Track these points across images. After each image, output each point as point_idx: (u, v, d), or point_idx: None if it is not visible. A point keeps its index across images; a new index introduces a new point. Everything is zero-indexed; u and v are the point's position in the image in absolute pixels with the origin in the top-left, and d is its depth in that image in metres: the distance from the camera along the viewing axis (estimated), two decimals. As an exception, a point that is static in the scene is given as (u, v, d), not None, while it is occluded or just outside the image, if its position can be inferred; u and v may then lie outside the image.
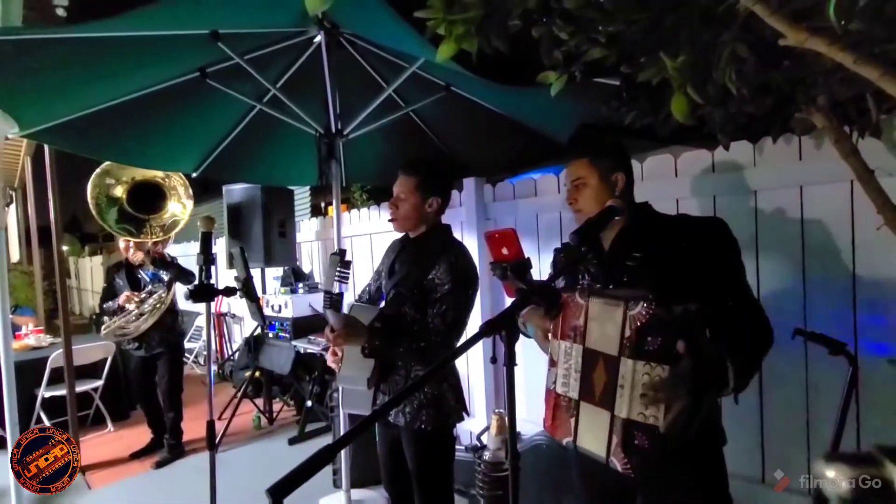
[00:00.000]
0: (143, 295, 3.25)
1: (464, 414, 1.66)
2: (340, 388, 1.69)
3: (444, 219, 1.73)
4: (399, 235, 1.80)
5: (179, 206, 3.31)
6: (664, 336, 0.98)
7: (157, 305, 3.21)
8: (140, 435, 3.55)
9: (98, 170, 3.10)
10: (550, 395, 1.19)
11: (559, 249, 1.46)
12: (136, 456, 3.36)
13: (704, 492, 1.12)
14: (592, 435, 1.09)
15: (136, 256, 3.24)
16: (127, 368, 3.77)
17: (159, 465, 3.22)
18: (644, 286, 1.07)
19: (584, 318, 1.12)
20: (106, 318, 3.36)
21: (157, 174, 3.23)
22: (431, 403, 1.57)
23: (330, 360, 1.77)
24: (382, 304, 1.78)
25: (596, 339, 1.09)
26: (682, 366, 0.96)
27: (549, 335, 1.22)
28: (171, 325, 3.32)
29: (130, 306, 3.22)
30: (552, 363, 1.20)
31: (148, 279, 3.31)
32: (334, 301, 1.58)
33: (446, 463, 1.66)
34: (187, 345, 5.70)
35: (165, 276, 3.24)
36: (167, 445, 3.34)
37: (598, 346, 1.08)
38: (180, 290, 3.19)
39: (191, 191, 3.33)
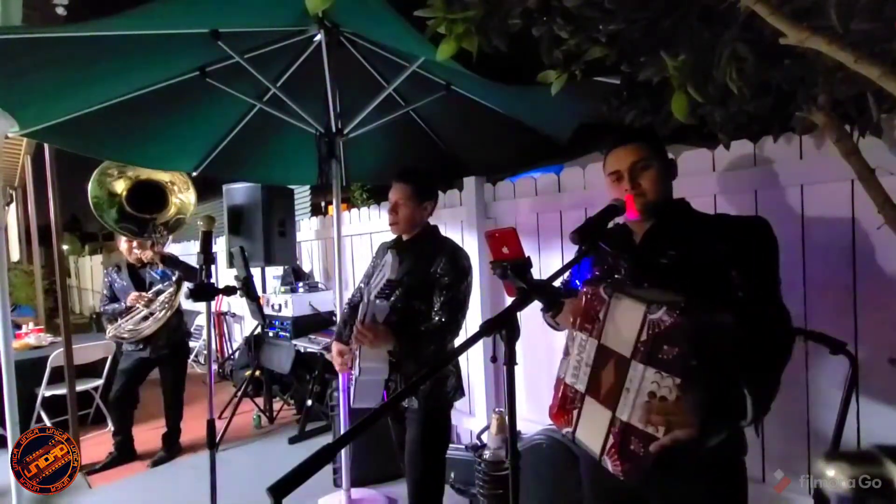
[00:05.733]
0: (151, 295, 3.17)
1: (461, 392, 1.88)
2: (355, 382, 1.72)
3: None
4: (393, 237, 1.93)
5: (182, 203, 3.25)
6: (682, 347, 0.91)
7: (167, 304, 3.14)
8: (140, 434, 3.53)
9: (97, 171, 3.06)
10: (560, 383, 1.20)
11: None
12: (95, 471, 3.10)
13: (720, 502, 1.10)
14: (591, 430, 1.09)
15: (146, 255, 3.14)
16: (117, 366, 3.48)
17: (155, 463, 3.21)
18: (677, 286, 1.03)
19: (604, 312, 1.09)
20: (105, 321, 3.27)
21: (160, 175, 3.18)
22: (439, 384, 1.79)
23: (337, 363, 1.85)
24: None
25: (612, 337, 1.05)
26: (692, 397, 0.90)
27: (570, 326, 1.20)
28: (176, 326, 3.27)
29: (140, 306, 3.13)
30: (566, 353, 1.20)
31: (157, 277, 3.22)
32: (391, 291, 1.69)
33: (446, 437, 1.88)
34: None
35: (174, 275, 3.18)
36: (164, 444, 3.33)
37: (613, 344, 1.04)
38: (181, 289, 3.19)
39: (192, 190, 3.26)
